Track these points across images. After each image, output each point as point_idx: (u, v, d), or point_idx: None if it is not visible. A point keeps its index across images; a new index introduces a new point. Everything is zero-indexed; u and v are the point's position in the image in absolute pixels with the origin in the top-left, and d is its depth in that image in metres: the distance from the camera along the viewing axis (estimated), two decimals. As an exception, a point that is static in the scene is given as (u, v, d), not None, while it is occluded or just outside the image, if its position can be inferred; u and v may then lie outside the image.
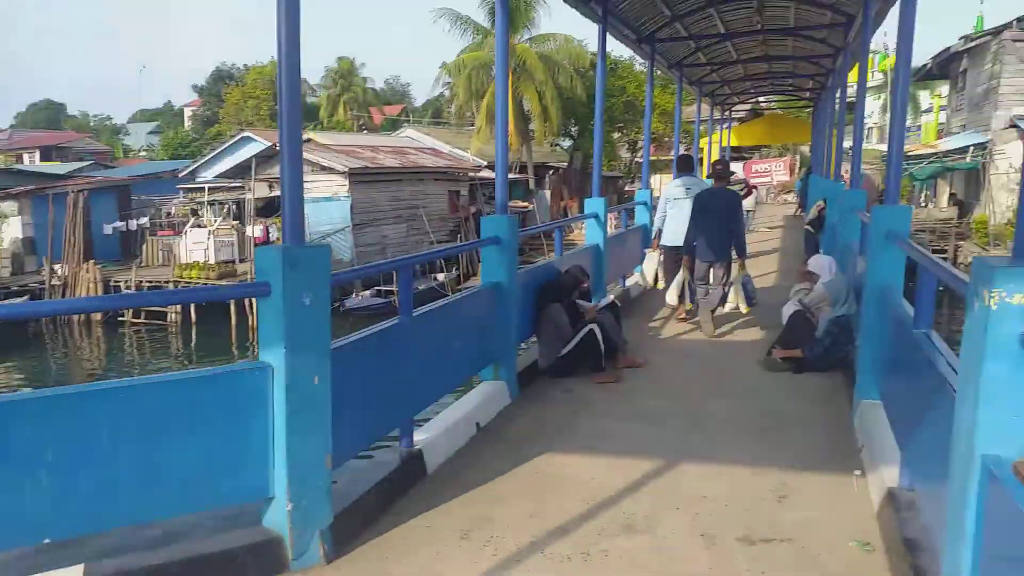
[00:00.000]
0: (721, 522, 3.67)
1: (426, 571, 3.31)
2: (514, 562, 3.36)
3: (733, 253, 7.75)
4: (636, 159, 40.80)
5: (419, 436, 4.58)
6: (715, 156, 24.78)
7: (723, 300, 7.81)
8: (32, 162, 49.28)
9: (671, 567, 3.27)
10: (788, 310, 7.13)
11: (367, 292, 20.48)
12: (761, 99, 29.80)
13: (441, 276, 21.67)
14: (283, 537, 3.33)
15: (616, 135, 38.88)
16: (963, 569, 2.47)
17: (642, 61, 26.77)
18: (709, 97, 21.14)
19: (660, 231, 9.01)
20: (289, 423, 3.32)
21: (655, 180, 31.25)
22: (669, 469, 4.33)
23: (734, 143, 30.92)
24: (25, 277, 23.29)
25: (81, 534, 3.04)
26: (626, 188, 39.08)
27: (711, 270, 7.79)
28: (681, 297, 8.17)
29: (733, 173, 9.58)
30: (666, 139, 37.38)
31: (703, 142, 23.72)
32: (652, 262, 9.32)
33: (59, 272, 22.10)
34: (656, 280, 9.21)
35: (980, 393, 2.31)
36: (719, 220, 7.58)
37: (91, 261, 22.23)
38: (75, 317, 21.31)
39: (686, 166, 9.36)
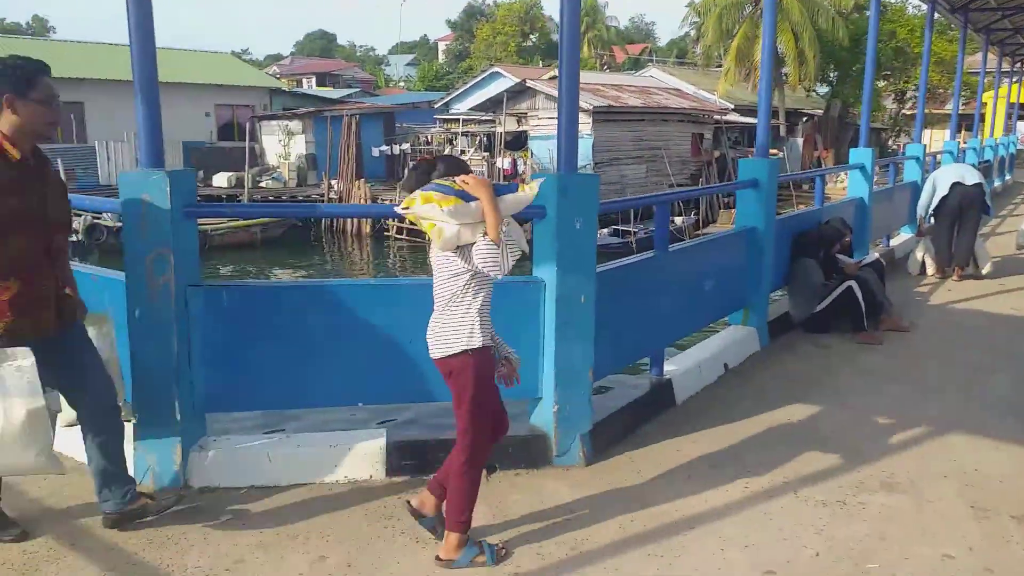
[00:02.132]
0: (995, 497, 3.43)
1: (678, 489, 3.45)
2: (766, 497, 3.40)
3: None
4: (903, 111, 37.09)
5: (669, 367, 4.69)
6: (1001, 112, 21.95)
7: None
8: (310, 87, 54.57)
9: (935, 531, 3.15)
10: (1088, 288, 6.32)
11: (604, 231, 20.71)
12: (1063, 50, 25.70)
13: (679, 220, 21.34)
14: (548, 435, 3.63)
15: (881, 83, 35.49)
16: None
17: (916, 3, 24.17)
18: (997, 46, 18.58)
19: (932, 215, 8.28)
20: (558, 333, 3.59)
21: (926, 135, 28.30)
22: (936, 436, 4.09)
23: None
24: (307, 189, 26.24)
25: (385, 403, 3.54)
26: (888, 142, 35.77)
27: None
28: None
29: None
30: (940, 91, 33.55)
31: (987, 96, 21.07)
32: (921, 248, 8.56)
33: (335, 187, 24.63)
34: (924, 268, 8.46)
35: None
36: None
37: (362, 179, 24.51)
38: (349, 228, 23.79)
39: None
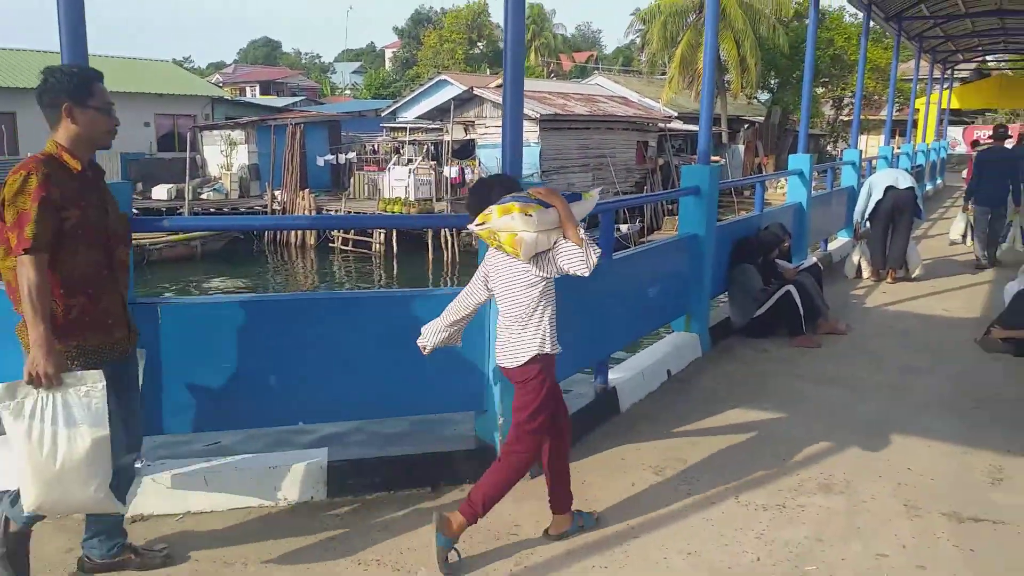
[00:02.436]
0: (926, 496, 3.55)
1: (622, 498, 3.48)
2: (708, 503, 3.45)
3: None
4: (840, 117, 38.14)
5: (613, 375, 4.73)
6: (932, 117, 22.74)
7: (1004, 238, 9.52)
8: (253, 95, 53.78)
9: (870, 531, 3.23)
10: (1013, 288, 6.57)
11: (553, 237, 20.87)
12: (989, 58, 26.76)
13: (624, 227, 21.60)
14: (494, 447, 3.63)
15: (820, 90, 36.45)
16: None
17: (852, 12, 24.95)
18: (929, 54, 19.28)
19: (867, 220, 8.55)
20: (502, 344, 3.58)
21: (862, 141, 29.16)
22: (870, 438, 4.21)
23: (954, 105, 28.11)
24: (250, 200, 25.80)
25: (328, 421, 3.49)
26: (827, 148, 36.74)
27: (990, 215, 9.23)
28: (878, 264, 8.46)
29: (1010, 136, 10.20)
30: (875, 97, 34.61)
31: (919, 102, 21.80)
32: (857, 252, 8.83)
33: (279, 197, 24.26)
34: (860, 271, 8.73)
35: None
36: (999, 174, 9.25)
37: (306, 189, 24.20)
38: (292, 240, 23.48)
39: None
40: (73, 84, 2.51)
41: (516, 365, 2.94)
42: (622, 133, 28.02)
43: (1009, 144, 9.91)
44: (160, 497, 3.26)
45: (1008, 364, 5.60)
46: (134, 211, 3.39)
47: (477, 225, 2.87)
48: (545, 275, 2.90)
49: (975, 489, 3.63)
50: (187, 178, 25.03)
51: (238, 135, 28.05)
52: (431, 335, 3.17)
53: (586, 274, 2.85)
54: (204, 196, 25.95)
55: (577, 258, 2.82)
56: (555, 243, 2.85)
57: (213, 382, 3.32)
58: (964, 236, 10.63)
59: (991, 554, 3.08)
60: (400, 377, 3.52)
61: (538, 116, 23.80)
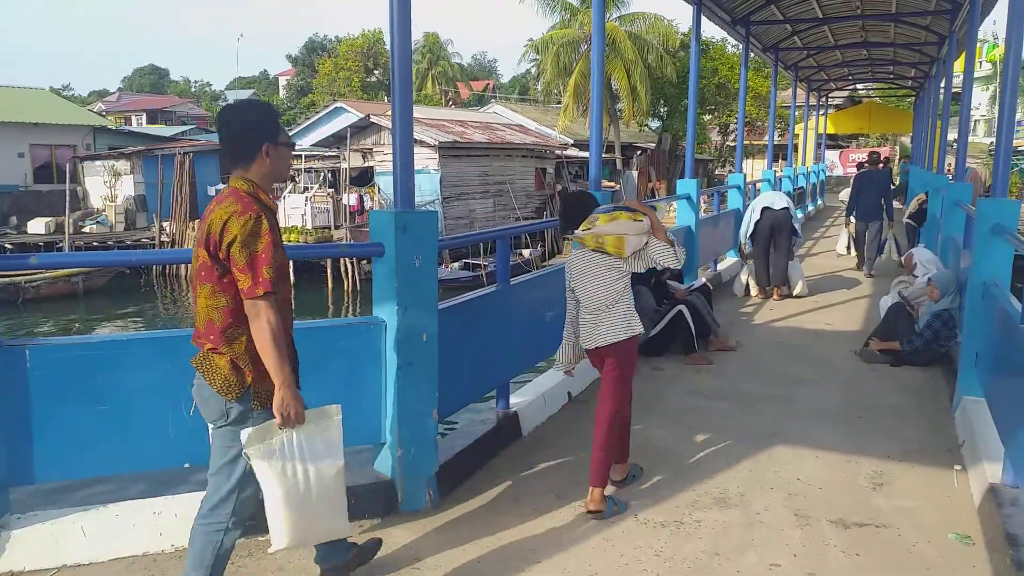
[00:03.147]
0: (815, 504, 3.69)
1: (525, 524, 3.47)
2: (608, 523, 3.48)
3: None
4: (727, 143, 39.94)
5: (515, 400, 4.74)
6: (811, 142, 24.13)
7: (881, 250, 10.58)
8: (139, 124, 51.68)
9: (764, 542, 3.33)
10: (887, 302, 7.00)
11: (456, 264, 20.82)
12: (860, 86, 28.76)
13: (527, 252, 21.83)
14: (393, 481, 3.55)
15: (707, 117, 38.13)
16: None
17: (735, 43, 26.28)
18: (805, 82, 20.53)
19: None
20: (400, 374, 3.53)
21: (747, 165, 30.58)
22: (762, 450, 4.36)
23: (830, 131, 29.97)
24: (137, 232, 24.61)
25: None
26: (716, 172, 38.36)
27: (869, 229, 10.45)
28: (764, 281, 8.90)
29: (882, 161, 11.83)
30: (759, 123, 36.47)
31: (798, 128, 23.11)
32: (746, 272, 9.23)
33: (168, 229, 23.27)
34: (748, 289, 9.11)
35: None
36: (874, 192, 10.39)
37: (197, 220, 23.30)
38: (183, 272, 22.49)
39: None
40: (273, 122, 2.58)
41: (610, 343, 3.61)
42: (521, 160, 28.40)
43: (877, 167, 10.76)
44: (33, 550, 3.03)
45: (885, 374, 5.94)
46: (7, 246, 3.15)
47: (583, 230, 3.63)
48: (630, 270, 3.63)
49: (859, 495, 3.81)
50: (67, 211, 23.70)
51: (123, 165, 26.81)
52: (566, 356, 3.99)
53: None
54: (86, 229, 24.58)
55: (669, 254, 3.62)
56: (646, 244, 3.60)
57: (89, 425, 3.12)
58: (848, 248, 11.77)
59: (876, 557, 3.22)
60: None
61: (437, 143, 23.83)
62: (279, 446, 2.48)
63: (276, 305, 2.45)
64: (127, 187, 26.58)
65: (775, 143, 17.76)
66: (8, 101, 29.68)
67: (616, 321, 3.59)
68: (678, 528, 3.45)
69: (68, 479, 3.26)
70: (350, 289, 20.51)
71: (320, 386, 3.44)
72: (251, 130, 2.54)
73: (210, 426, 2.61)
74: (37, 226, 23.85)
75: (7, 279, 18.48)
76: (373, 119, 25.17)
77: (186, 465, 3.27)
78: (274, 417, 2.47)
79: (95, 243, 23.21)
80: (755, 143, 36.38)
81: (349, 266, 20.61)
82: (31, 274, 18.72)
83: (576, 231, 3.67)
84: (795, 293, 8.92)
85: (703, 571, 3.09)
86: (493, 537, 3.34)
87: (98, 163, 27.61)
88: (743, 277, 9.20)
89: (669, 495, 3.78)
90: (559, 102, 36.63)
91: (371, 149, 25.55)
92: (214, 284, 2.47)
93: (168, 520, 3.19)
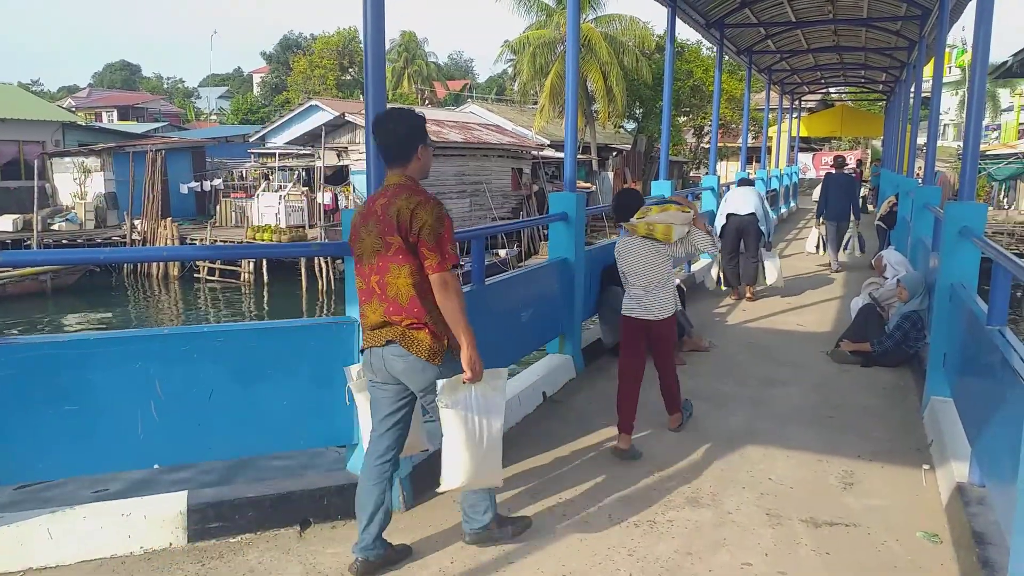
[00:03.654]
0: (786, 503, 3.73)
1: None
2: (582, 523, 3.49)
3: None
4: (702, 144, 40.23)
5: (489, 400, 4.72)
6: (784, 145, 24.39)
7: (847, 247, 11.53)
8: (110, 121, 50.92)
9: (735, 541, 3.36)
10: (857, 303, 7.09)
11: (431, 264, 20.76)
12: (832, 90, 29.10)
13: (503, 252, 21.82)
14: (366, 482, 3.51)
15: (681, 119, 38.37)
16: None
17: (709, 46, 26.52)
18: (778, 85, 20.73)
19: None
20: (372, 375, 3.49)
21: (721, 167, 30.84)
22: (734, 449, 4.40)
23: (803, 133, 30.29)
24: (108, 230, 24.22)
25: (185, 463, 3.28)
26: (691, 174, 38.64)
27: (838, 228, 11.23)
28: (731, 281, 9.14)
29: (847, 164, 12.82)
30: (733, 126, 36.77)
31: (771, 130, 23.33)
32: (716, 266, 9.38)
33: (139, 227, 22.95)
34: (720, 281, 9.27)
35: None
36: (841, 194, 11.18)
37: (169, 218, 23.02)
38: (155, 271, 22.21)
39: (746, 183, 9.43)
40: (424, 127, 2.99)
41: (663, 318, 4.38)
42: (497, 160, 28.40)
43: (848, 170, 11.18)
44: (-3, 554, 2.96)
45: (856, 375, 6.01)
46: None
47: (638, 219, 4.37)
48: (675, 255, 4.38)
49: (830, 494, 3.85)
50: (35, 208, 23.28)
51: (93, 162, 26.40)
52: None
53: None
54: (55, 227, 24.18)
55: (708, 242, 4.41)
56: (688, 232, 4.34)
57: (57, 426, 3.06)
58: (818, 247, 12.27)
59: (845, 556, 3.26)
60: (261, 413, 3.37)
61: (413, 142, 23.73)
62: (463, 398, 2.86)
63: (457, 278, 2.86)
64: (97, 184, 26.18)
65: (749, 145, 17.92)
66: (-27, 96, 29.10)
67: (666, 299, 4.38)
68: (651, 527, 3.46)
69: (35, 481, 3.20)
70: (325, 288, 20.36)
71: (291, 386, 3.43)
72: (409, 134, 2.94)
73: (420, 396, 2.99)
74: (4, 223, 23.39)
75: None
76: (348, 117, 25.01)
77: (156, 466, 3.23)
78: (456, 367, 2.88)
79: (64, 240, 22.86)
80: (729, 145, 36.66)
81: (324, 265, 20.46)
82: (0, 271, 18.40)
83: (631, 219, 4.40)
84: (770, 283, 9.09)
85: (676, 570, 3.11)
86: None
87: (67, 160, 27.16)
88: (713, 271, 9.34)
89: (643, 495, 3.79)
90: (536, 103, 36.68)
91: (346, 148, 25.40)
92: (411, 265, 2.84)
93: (137, 522, 3.14)
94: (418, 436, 3.23)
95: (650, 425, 4.76)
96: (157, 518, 3.16)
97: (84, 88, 71.37)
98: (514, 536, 3.26)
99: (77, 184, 26.38)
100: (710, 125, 36.73)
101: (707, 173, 13.19)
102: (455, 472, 2.92)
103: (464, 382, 2.86)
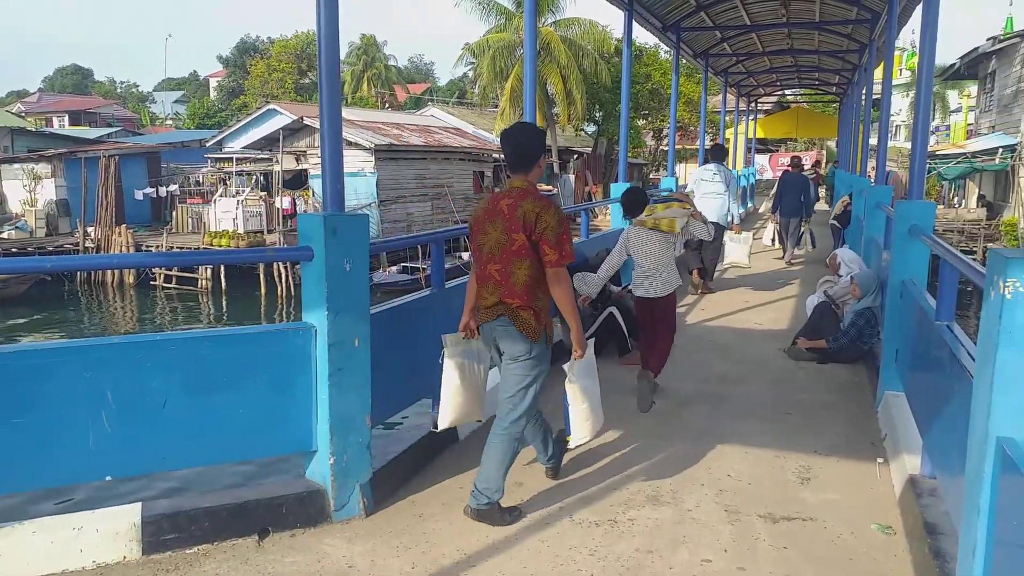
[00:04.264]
0: (744, 499, 3.78)
1: (460, 528, 3.45)
2: (543, 525, 3.50)
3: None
4: (661, 147, 40.63)
5: (451, 404, 4.70)
6: (741, 146, 24.77)
7: (799, 242, 12.24)
8: (61, 126, 49.74)
9: (695, 538, 3.39)
10: (813, 301, 7.21)
11: (394, 268, 20.65)
12: (787, 92, 29.65)
13: (466, 255, 21.76)
14: (325, 489, 3.49)
15: (641, 122, 38.70)
16: (977, 547, 2.56)
17: (667, 49, 26.82)
18: (735, 88, 21.04)
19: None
20: (331, 381, 3.47)
21: (680, 169, 31.17)
22: (693, 447, 4.44)
23: (760, 135, 30.81)
24: (59, 238, 23.64)
25: (138, 474, 3.21)
26: (650, 176, 38.98)
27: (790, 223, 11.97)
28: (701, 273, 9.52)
29: (802, 165, 14.08)
30: (691, 128, 37.20)
31: (728, 132, 23.65)
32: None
33: (92, 234, 22.45)
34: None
35: (995, 378, 2.38)
36: (795, 192, 11.83)
37: (123, 225, 22.56)
38: (109, 279, 21.74)
39: (717, 155, 9.59)
40: (544, 140, 3.56)
41: (666, 294, 5.32)
42: (458, 163, 28.37)
43: (807, 172, 11.61)
44: (-63, 574, 2.87)
45: (811, 372, 6.12)
46: None
47: (646, 214, 5.35)
48: (677, 242, 5.56)
49: (787, 489, 3.91)
50: (-17, 216, 22.67)
51: (43, 168, 25.76)
52: (591, 287, 5.75)
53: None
54: (4, 235, 23.56)
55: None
56: (687, 223, 5.51)
57: (4, 439, 2.96)
58: (773, 240, 13.60)
59: (803, 549, 3.31)
60: (217, 422, 3.30)
61: (372, 146, 23.61)
62: (579, 371, 3.63)
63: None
64: (48, 191, 25.55)
65: (706, 147, 18.16)
66: (-83, 101, 28.19)
67: (668, 278, 5.32)
68: (612, 527, 3.48)
69: (-21, 496, 3.10)
70: (283, 294, 20.13)
71: (248, 394, 3.38)
72: (533, 146, 3.47)
73: (509, 362, 3.46)
74: (-50, 232, 22.77)
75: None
76: (307, 121, 24.79)
77: (108, 478, 3.15)
78: (546, 350, 3.49)
79: (14, 249, 22.26)
80: (688, 147, 37.08)
81: (282, 270, 20.24)
82: (-56, 282, 17.83)
83: (639, 215, 5.37)
84: (738, 263, 10.35)
85: (637, 569, 3.13)
86: (428, 543, 3.31)
87: (16, 166, 26.47)
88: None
89: (603, 494, 3.81)
90: (496, 106, 36.71)
91: (305, 152, 25.16)
92: (530, 260, 3.33)
93: (89, 536, 3.06)
94: (478, 406, 3.81)
95: (608, 424, 4.78)
96: (110, 531, 3.08)
97: (34, 92, 69.61)
98: (511, 522, 3.51)
99: (27, 191, 25.71)
100: (668, 128, 37.29)
101: (666, 175, 13.34)
102: (582, 429, 3.69)
103: (576, 358, 3.54)
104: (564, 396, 3.68)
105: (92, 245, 22.40)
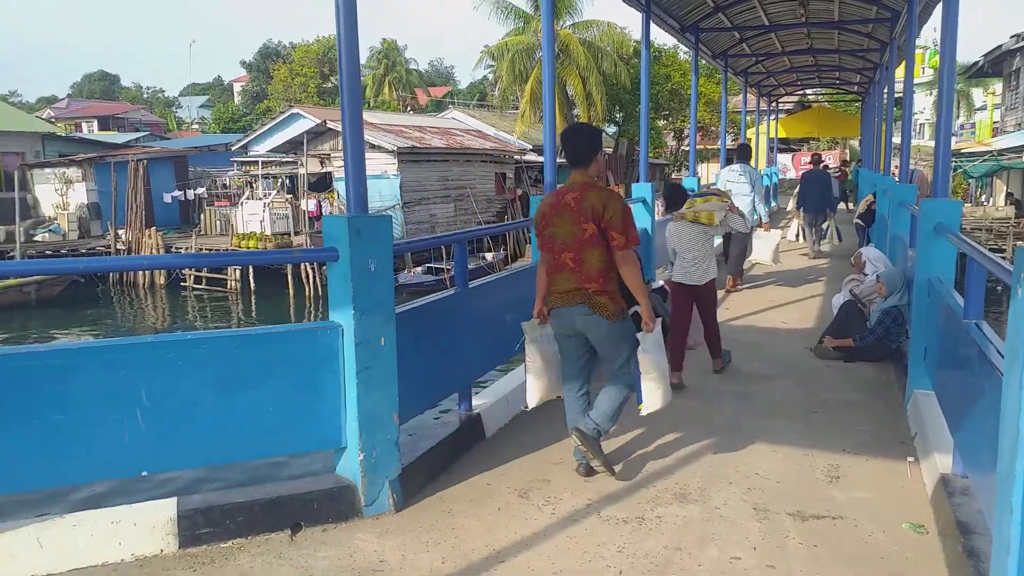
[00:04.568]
0: (773, 497, 3.77)
1: (489, 524, 3.48)
2: (571, 521, 3.51)
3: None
4: (682, 147, 40.44)
5: (477, 401, 4.75)
6: (763, 146, 24.61)
7: (824, 236, 12.66)
8: (91, 131, 50.49)
9: (724, 535, 3.39)
10: (839, 300, 7.17)
11: (419, 269, 20.76)
12: (808, 91, 29.39)
13: (489, 256, 21.88)
14: (355, 485, 3.53)
15: (661, 123, 38.56)
16: (1011, 546, 2.54)
17: (687, 50, 26.73)
18: (755, 88, 20.91)
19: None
20: (359, 379, 3.51)
21: (702, 169, 31.03)
22: (721, 445, 4.44)
23: (781, 135, 30.55)
24: (91, 240, 24.06)
25: (172, 469, 3.28)
26: (672, 176, 38.82)
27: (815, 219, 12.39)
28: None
29: (823, 162, 14.76)
30: (712, 128, 37.01)
31: (750, 132, 23.51)
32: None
33: (123, 237, 22.82)
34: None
35: (1024, 374, 2.35)
36: (818, 189, 12.28)
37: (153, 227, 22.90)
38: (141, 280, 22.16)
39: (743, 155, 9.59)
40: (600, 138, 3.95)
41: (705, 282, 5.67)
42: (480, 165, 28.46)
43: (830, 169, 11.68)
44: (-17, 564, 2.95)
45: (839, 370, 6.08)
46: None
47: (686, 208, 5.78)
48: (715, 233, 5.82)
49: (816, 488, 3.89)
50: (17, 219, 23.07)
51: (74, 173, 26.22)
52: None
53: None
54: (38, 238, 24.01)
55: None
56: (725, 216, 5.79)
57: (43, 436, 3.04)
58: (797, 236, 13.95)
59: (833, 548, 3.30)
60: (248, 418, 3.36)
61: (395, 149, 23.76)
62: (650, 344, 3.89)
63: None
64: (79, 195, 26.01)
65: (728, 147, 18.06)
66: (-49, 108, 28.80)
67: (708, 267, 5.67)
68: (640, 524, 3.49)
69: (21, 492, 3.18)
70: (311, 295, 20.30)
71: (277, 392, 3.43)
72: (592, 143, 3.86)
73: (598, 342, 3.90)
74: (-15, 235, 23.24)
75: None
76: (330, 124, 24.99)
77: (143, 473, 3.22)
78: (626, 322, 3.89)
79: (48, 252, 22.68)
80: (709, 147, 36.91)
81: (310, 271, 20.42)
82: (-19, 283, 18.24)
83: (680, 210, 5.79)
84: (764, 261, 10.44)
85: (666, 565, 3.13)
86: (457, 539, 3.34)
87: (48, 170, 26.96)
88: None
89: (631, 492, 3.82)
90: (516, 108, 36.76)
91: (328, 154, 25.36)
92: (601, 247, 3.71)
93: (128, 529, 3.13)
94: (558, 383, 4.15)
95: (636, 422, 4.78)
96: (147, 525, 3.15)
97: (63, 99, 70.75)
98: (605, 466, 3.91)
99: (59, 195, 26.18)
100: (689, 128, 37.10)
101: (687, 175, 13.32)
102: (653, 397, 3.96)
103: (646, 331, 3.86)
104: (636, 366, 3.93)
105: (123, 247, 22.78)
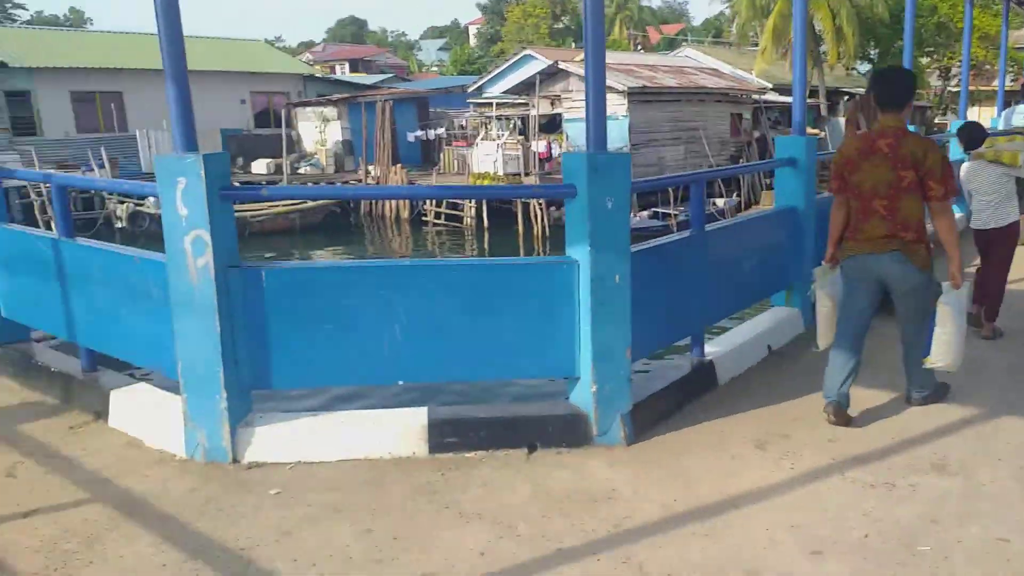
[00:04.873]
0: (1053, 481, 3.33)
1: (720, 469, 3.41)
2: (812, 479, 3.35)
3: None
4: (949, 88, 36.08)
5: (710, 348, 4.64)
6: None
7: None
8: (343, 73, 54.83)
9: (989, 514, 3.06)
10: None
11: (644, 213, 20.53)
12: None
13: (720, 202, 21.06)
14: (588, 414, 3.61)
15: (925, 60, 34.54)
16: None
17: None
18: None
19: None
20: (593, 313, 3.55)
21: (972, 113, 27.52)
22: (989, 419, 3.98)
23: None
24: (345, 175, 26.44)
25: (424, 381, 3.57)
26: (935, 120, 34.89)
27: None
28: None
29: None
30: (987, 67, 32.54)
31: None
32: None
33: (372, 172, 24.84)
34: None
35: None
36: None
37: (398, 164, 24.65)
38: (388, 213, 24.16)
39: None
40: (915, 84, 3.92)
41: (1000, 226, 5.29)
42: (714, 105, 27.28)
43: None
44: (273, 446, 3.40)
45: None
46: (235, 184, 3.60)
47: (986, 147, 5.37)
48: (1019, 175, 5.29)
49: (1107, 475, 3.39)
50: (284, 153, 25.79)
51: (330, 112, 28.67)
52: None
53: None
54: (301, 171, 26.76)
55: None
56: None
57: (316, 341, 3.42)
58: None
59: None
60: (491, 342, 3.57)
61: (625, 89, 23.40)
62: (954, 299, 3.80)
63: None
64: (335, 132, 28.47)
65: (1006, 89, 15.79)
66: (231, 52, 32.51)
67: (1008, 211, 5.29)
68: (890, 490, 3.24)
69: (299, 387, 3.61)
70: (540, 234, 20.87)
71: (517, 319, 3.59)
72: (909, 87, 3.81)
73: (904, 293, 3.83)
74: (259, 167, 26.31)
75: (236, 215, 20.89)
76: (561, 66, 25.10)
77: (400, 383, 3.52)
78: (933, 276, 3.80)
79: (310, 184, 25.19)
80: (982, 89, 32.55)
81: (538, 211, 20.93)
82: (256, 210, 20.72)
83: (978, 148, 5.36)
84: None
85: (918, 537, 2.90)
86: (688, 481, 3.31)
87: (308, 110, 29.70)
88: None
89: (880, 456, 3.55)
90: (755, 45, 34.68)
91: (559, 96, 25.54)
92: (917, 195, 3.66)
93: (386, 430, 3.45)
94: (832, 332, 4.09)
95: (893, 388, 4.42)
96: (403, 428, 3.46)
97: (319, 43, 77.33)
98: (943, 398, 4.12)
99: (318, 132, 28.85)
100: (957, 66, 32.90)
101: (956, 119, 11.87)
102: (941, 351, 3.88)
103: (953, 286, 3.76)
104: (932, 316, 3.86)
105: (372, 182, 24.74)
